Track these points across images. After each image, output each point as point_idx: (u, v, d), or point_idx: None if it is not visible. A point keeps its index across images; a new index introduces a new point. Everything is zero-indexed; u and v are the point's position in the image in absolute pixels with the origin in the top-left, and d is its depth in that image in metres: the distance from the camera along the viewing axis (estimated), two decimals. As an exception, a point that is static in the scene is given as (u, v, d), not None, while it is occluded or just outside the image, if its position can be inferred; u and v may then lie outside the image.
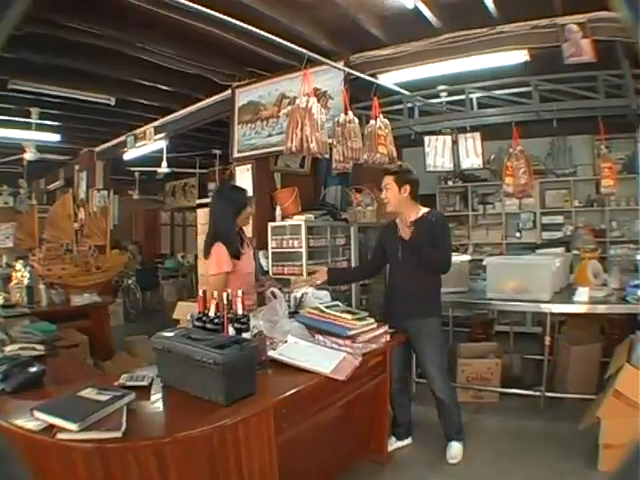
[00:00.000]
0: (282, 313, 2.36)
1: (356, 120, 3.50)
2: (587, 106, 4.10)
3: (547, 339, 3.55)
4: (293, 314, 2.52)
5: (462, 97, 4.46)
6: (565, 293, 3.83)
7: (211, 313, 2.19)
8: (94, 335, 4.56)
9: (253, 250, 3.16)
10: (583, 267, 3.96)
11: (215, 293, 2.32)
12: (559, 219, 6.64)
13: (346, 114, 3.47)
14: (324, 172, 5.49)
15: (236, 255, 2.73)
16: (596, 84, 3.95)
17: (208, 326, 2.17)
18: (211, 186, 8.09)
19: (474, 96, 4.45)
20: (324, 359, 2.08)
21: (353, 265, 4.82)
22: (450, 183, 7.03)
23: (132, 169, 8.63)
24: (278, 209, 4.78)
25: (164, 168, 6.89)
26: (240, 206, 2.81)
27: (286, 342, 2.14)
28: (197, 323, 2.22)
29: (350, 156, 3.42)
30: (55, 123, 6.04)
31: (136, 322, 7.77)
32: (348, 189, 5.30)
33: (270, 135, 4.60)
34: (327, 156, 3.30)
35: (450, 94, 4.70)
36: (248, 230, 4.43)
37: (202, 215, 5.49)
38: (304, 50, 3.19)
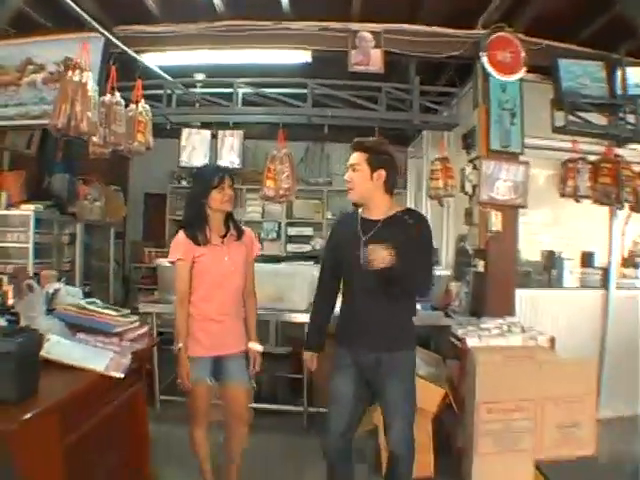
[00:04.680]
0: (39, 309, 2.21)
1: (122, 102, 3.30)
2: (365, 116, 3.97)
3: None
4: (49, 311, 2.31)
5: (230, 90, 4.11)
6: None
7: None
8: None
9: (253, 249, 2.47)
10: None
11: None
12: (308, 231, 6.11)
13: (112, 94, 3.27)
14: (50, 156, 4.72)
15: (197, 241, 2.26)
16: (378, 95, 3.89)
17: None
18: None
19: (241, 91, 4.11)
20: (94, 357, 1.96)
21: (78, 270, 4.42)
22: (184, 183, 6.09)
23: None
24: (3, 196, 4.27)
25: None
26: (207, 184, 2.27)
27: (49, 340, 1.96)
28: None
29: (112, 141, 3.22)
30: None
31: None
32: (76, 179, 4.74)
33: (6, 105, 3.78)
34: (95, 139, 3.13)
35: (216, 86, 4.33)
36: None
37: None
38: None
